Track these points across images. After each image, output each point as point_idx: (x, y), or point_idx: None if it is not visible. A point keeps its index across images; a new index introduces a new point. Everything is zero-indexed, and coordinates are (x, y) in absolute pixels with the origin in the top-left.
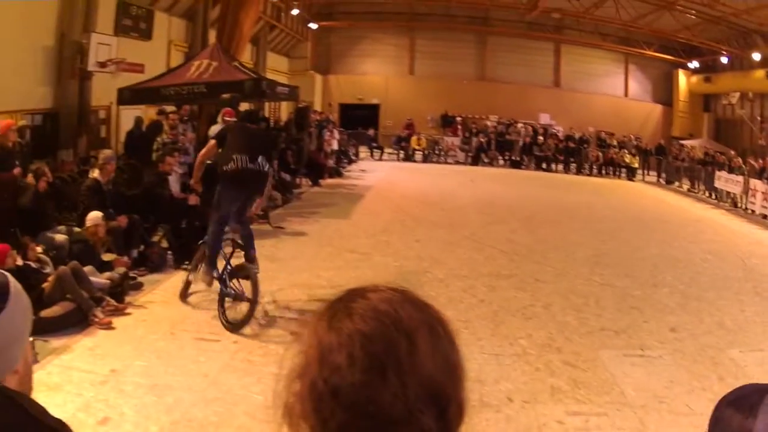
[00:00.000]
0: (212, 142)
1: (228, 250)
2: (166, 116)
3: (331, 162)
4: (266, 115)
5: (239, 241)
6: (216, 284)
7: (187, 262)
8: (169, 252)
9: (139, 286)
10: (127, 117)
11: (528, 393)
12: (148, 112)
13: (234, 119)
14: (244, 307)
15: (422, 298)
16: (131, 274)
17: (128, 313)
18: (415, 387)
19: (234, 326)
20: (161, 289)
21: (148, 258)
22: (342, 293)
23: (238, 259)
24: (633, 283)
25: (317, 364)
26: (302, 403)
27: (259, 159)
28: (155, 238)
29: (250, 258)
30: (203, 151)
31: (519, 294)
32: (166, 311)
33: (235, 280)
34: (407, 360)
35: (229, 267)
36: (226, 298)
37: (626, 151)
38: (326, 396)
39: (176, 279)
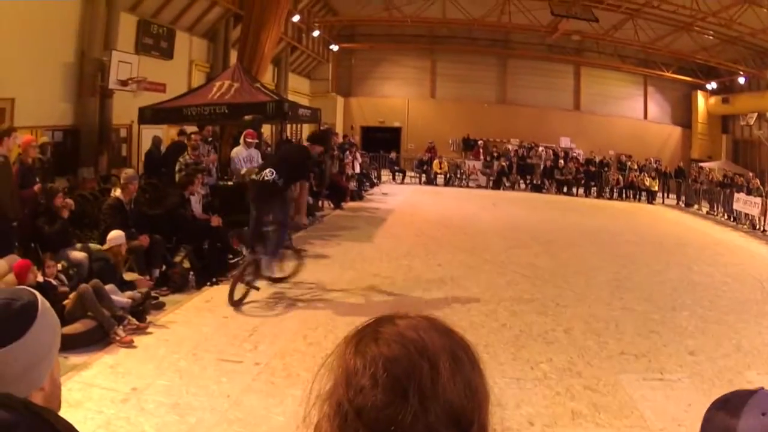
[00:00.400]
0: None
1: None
2: (188, 137)
3: (353, 185)
4: (288, 136)
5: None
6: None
7: (209, 283)
8: (191, 273)
9: (161, 306)
10: (148, 136)
11: (549, 417)
12: (169, 132)
13: (256, 141)
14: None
15: (448, 325)
16: (153, 294)
17: (150, 333)
18: (436, 409)
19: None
20: (183, 310)
21: (170, 278)
22: (371, 320)
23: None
24: (652, 306)
25: (344, 386)
26: (329, 422)
27: (268, 172)
28: (177, 259)
29: (271, 250)
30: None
31: (540, 318)
32: (188, 331)
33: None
34: (429, 384)
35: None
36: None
37: (646, 174)
38: (351, 416)
39: (198, 299)
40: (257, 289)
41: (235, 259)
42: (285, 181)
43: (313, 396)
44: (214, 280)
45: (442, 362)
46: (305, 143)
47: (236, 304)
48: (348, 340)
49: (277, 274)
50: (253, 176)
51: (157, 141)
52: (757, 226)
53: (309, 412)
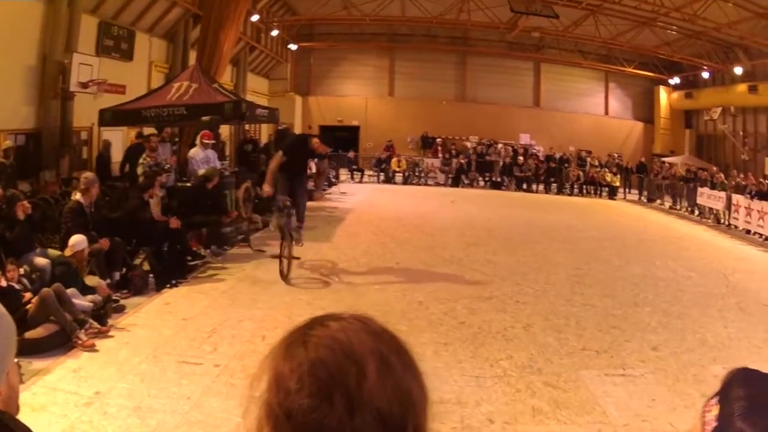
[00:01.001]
0: (279, 153)
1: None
2: (146, 139)
3: (311, 184)
4: (251, 136)
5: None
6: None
7: (168, 285)
8: (151, 275)
9: (121, 309)
10: (109, 138)
11: (509, 414)
12: (129, 134)
13: (213, 142)
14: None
15: (383, 326)
16: (114, 297)
17: (111, 336)
18: (363, 414)
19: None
20: (143, 312)
21: (130, 281)
22: (305, 321)
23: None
24: (614, 302)
25: (274, 389)
26: (262, 425)
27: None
28: (137, 261)
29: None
30: (274, 161)
31: (499, 315)
32: (149, 334)
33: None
34: (355, 387)
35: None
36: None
37: (607, 169)
38: (281, 419)
39: (158, 302)
40: (298, 258)
41: (194, 261)
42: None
43: (250, 398)
44: (173, 282)
45: (370, 365)
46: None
47: (287, 278)
48: (280, 342)
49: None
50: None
51: (107, 144)
52: (722, 220)
53: (246, 412)
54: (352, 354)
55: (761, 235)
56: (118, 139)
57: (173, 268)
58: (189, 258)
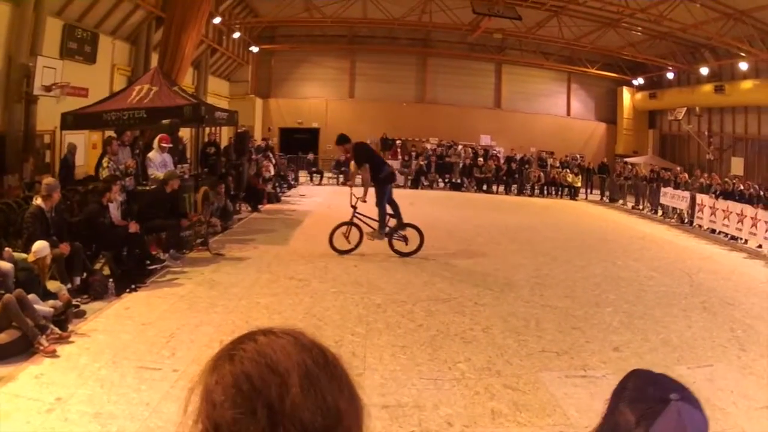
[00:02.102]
0: (366, 165)
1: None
2: (108, 142)
3: (269, 187)
4: (214, 139)
5: (392, 212)
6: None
7: (128, 290)
8: (111, 279)
9: (82, 314)
10: (74, 142)
11: (468, 417)
12: (91, 138)
13: (170, 145)
14: (411, 244)
15: (313, 340)
16: (74, 302)
17: (72, 342)
18: (286, 427)
19: (404, 254)
20: (103, 317)
21: (90, 286)
22: (238, 336)
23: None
24: (574, 303)
25: (204, 402)
26: None
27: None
28: (97, 266)
29: (401, 220)
30: (366, 175)
31: (458, 318)
32: (109, 339)
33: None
34: (278, 400)
35: (388, 227)
36: (395, 241)
37: (568, 170)
38: (210, 431)
39: (118, 306)
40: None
41: (154, 266)
42: None
43: (184, 411)
44: (133, 286)
45: (293, 378)
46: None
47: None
48: (212, 357)
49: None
50: (388, 170)
51: (72, 148)
52: (686, 220)
53: (181, 425)
54: (276, 367)
55: (726, 234)
56: (80, 142)
57: (133, 273)
58: (148, 262)
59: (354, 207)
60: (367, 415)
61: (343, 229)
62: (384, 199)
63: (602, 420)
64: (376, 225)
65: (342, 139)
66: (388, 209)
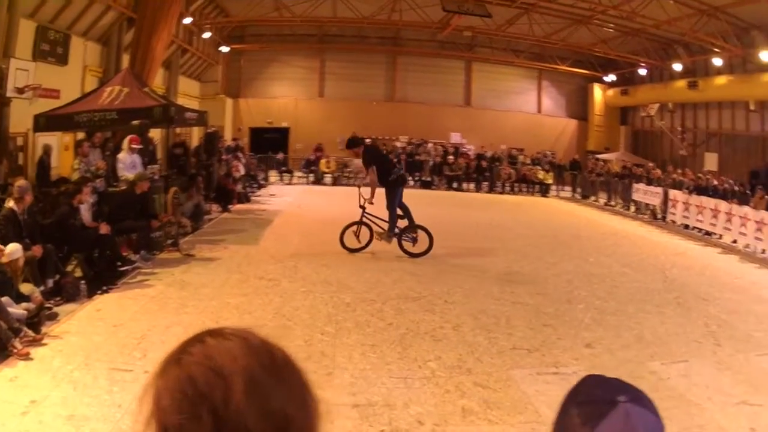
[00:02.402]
0: (373, 167)
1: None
2: (80, 145)
3: (239, 187)
4: (182, 140)
5: (402, 213)
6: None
7: (100, 291)
8: (83, 281)
9: (54, 317)
10: (42, 144)
11: (438, 416)
12: (63, 139)
13: (140, 146)
14: (420, 246)
15: (265, 341)
16: (47, 305)
17: (45, 344)
18: (230, 429)
19: (414, 255)
20: (76, 319)
21: (62, 288)
22: (188, 338)
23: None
24: (546, 300)
25: (154, 405)
26: None
27: (399, 168)
28: (69, 268)
29: (412, 221)
30: (373, 176)
31: (428, 316)
32: (81, 341)
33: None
34: (222, 404)
35: (398, 228)
36: (404, 242)
37: (539, 167)
38: None
39: (90, 308)
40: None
41: (125, 267)
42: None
43: (138, 415)
44: (104, 288)
45: (237, 384)
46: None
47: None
48: (163, 359)
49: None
50: (399, 172)
51: (48, 149)
52: (658, 216)
53: (136, 427)
54: (221, 371)
55: (700, 229)
56: (53, 144)
57: (104, 275)
58: (119, 264)
59: (362, 207)
60: (324, 418)
61: (354, 228)
62: (394, 201)
63: (554, 423)
64: (385, 226)
65: (352, 142)
66: (399, 211)
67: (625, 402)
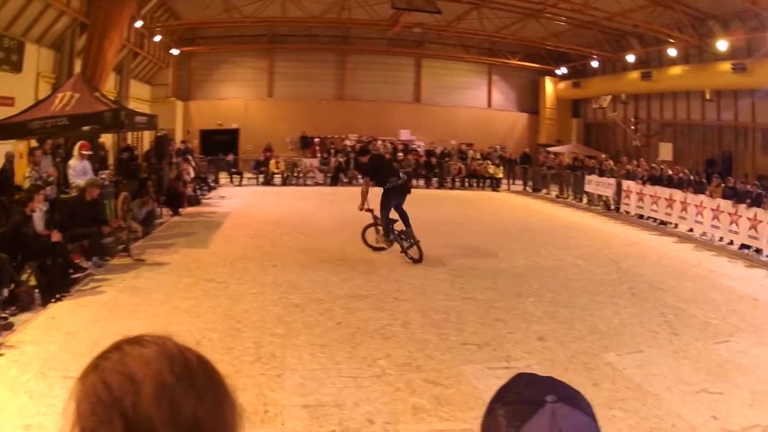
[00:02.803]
0: (367, 178)
1: (397, 226)
2: (32, 153)
3: (189, 190)
4: (130, 144)
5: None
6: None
7: (53, 300)
8: (37, 290)
9: (10, 327)
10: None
11: (389, 414)
12: (17, 147)
13: (90, 152)
14: (415, 251)
15: (181, 348)
16: (2, 315)
17: (1, 354)
18: None
19: (416, 261)
20: (30, 328)
21: (17, 297)
22: (110, 345)
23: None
24: (496, 295)
25: (74, 410)
26: None
27: (402, 174)
28: (24, 277)
29: (408, 228)
30: (365, 187)
31: (377, 314)
32: (36, 350)
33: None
34: (132, 410)
35: (396, 231)
36: (404, 244)
37: (489, 162)
38: None
39: (44, 317)
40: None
41: (77, 274)
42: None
43: (63, 419)
44: (58, 296)
45: (147, 389)
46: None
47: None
48: (85, 366)
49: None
50: (396, 182)
51: (10, 157)
52: (612, 207)
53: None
54: (133, 377)
55: (655, 219)
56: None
57: (57, 282)
58: (71, 271)
59: (368, 211)
60: (243, 424)
61: (373, 228)
62: (384, 207)
63: (482, 423)
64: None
65: (362, 152)
66: (396, 216)
67: (553, 402)
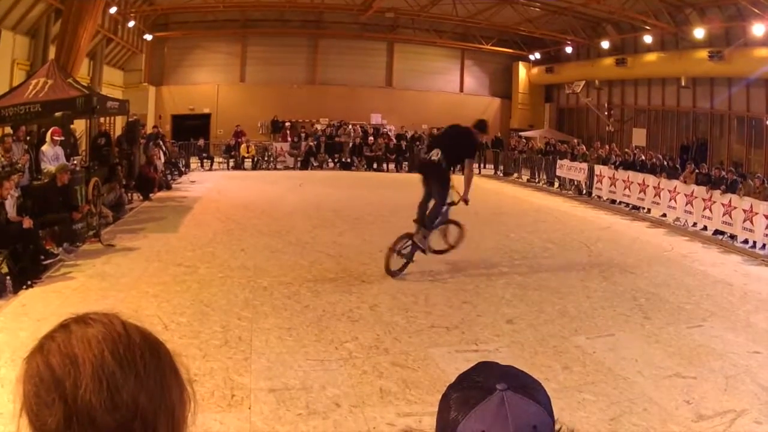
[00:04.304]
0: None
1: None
2: (2, 140)
3: (159, 175)
4: (105, 129)
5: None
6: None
7: (25, 287)
8: (8, 277)
9: None
10: None
11: (356, 397)
12: None
13: (62, 138)
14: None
15: (127, 328)
16: None
17: None
18: (79, 420)
19: (438, 252)
20: (2, 315)
21: None
22: (56, 325)
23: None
24: (465, 277)
25: (21, 391)
26: (19, 427)
27: (435, 152)
28: None
29: (428, 225)
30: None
31: (344, 297)
32: (7, 338)
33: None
34: (71, 393)
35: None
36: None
37: None
38: (25, 420)
39: (16, 304)
40: (413, 261)
41: (48, 260)
42: (448, 162)
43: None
44: (29, 283)
45: (86, 371)
46: (473, 128)
47: (393, 274)
48: (32, 346)
49: (440, 247)
50: (423, 155)
51: None
52: (583, 191)
53: (12, 415)
54: (74, 359)
55: (627, 204)
56: None
57: (28, 269)
58: (43, 257)
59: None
60: (187, 407)
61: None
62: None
63: (438, 407)
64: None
65: (482, 126)
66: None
67: (503, 390)
